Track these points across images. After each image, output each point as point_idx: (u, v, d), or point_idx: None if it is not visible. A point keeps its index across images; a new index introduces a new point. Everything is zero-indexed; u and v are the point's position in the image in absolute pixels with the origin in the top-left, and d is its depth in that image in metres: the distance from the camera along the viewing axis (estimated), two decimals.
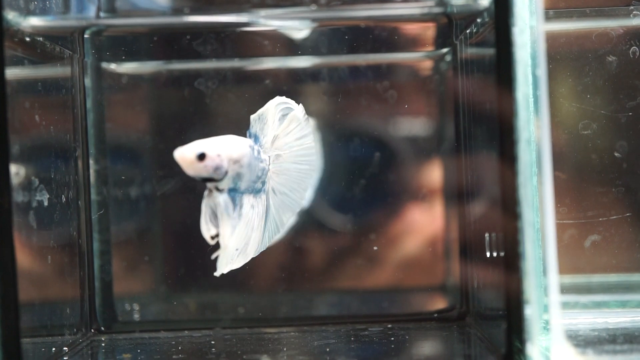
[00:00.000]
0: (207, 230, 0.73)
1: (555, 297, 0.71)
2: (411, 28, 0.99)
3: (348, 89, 1.01)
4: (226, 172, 0.72)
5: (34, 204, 0.80)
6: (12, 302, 0.71)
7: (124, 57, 0.99)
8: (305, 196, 0.80)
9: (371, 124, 1.01)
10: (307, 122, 0.77)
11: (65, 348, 0.85)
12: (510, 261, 0.72)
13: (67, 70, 0.93)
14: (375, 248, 0.99)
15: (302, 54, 0.99)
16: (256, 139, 0.76)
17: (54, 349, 0.83)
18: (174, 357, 0.84)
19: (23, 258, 0.75)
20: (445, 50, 0.99)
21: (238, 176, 0.73)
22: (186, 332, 0.95)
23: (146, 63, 1.01)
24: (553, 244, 0.71)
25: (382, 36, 0.98)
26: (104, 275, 0.97)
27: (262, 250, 0.77)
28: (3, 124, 0.71)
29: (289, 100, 0.77)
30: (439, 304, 0.99)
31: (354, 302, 1.00)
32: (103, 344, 0.92)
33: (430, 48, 1.02)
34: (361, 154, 1.00)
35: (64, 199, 0.88)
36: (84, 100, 0.97)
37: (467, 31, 0.89)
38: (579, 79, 0.94)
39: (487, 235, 0.83)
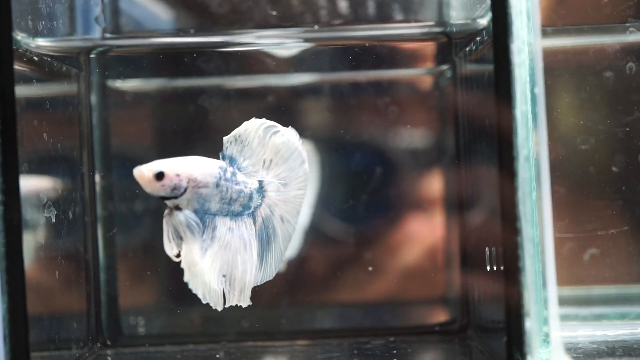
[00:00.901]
0: (170, 249, 0.72)
1: (554, 310, 0.72)
2: (411, 46, 1.00)
3: (349, 104, 1.02)
4: (184, 192, 0.72)
5: (42, 221, 0.81)
6: (21, 317, 0.72)
7: (129, 75, 1.01)
8: (301, 221, 0.79)
9: (372, 138, 1.02)
10: (302, 147, 0.76)
11: None
12: (510, 275, 0.73)
13: (74, 87, 0.94)
14: (370, 269, 1.00)
15: (304, 71, 1.01)
16: (232, 160, 0.75)
17: None
18: None
19: (31, 273, 0.77)
20: (445, 67, 1.01)
21: (202, 197, 0.73)
22: (191, 345, 0.96)
23: (151, 80, 1.03)
24: (552, 258, 0.73)
25: (383, 54, 0.99)
26: (109, 289, 0.99)
27: (268, 279, 0.76)
28: (13, 141, 0.72)
29: (272, 122, 0.76)
30: (441, 316, 1.00)
31: (356, 315, 1.01)
32: (109, 358, 0.93)
33: (430, 65, 1.03)
34: (362, 168, 1.02)
35: (70, 215, 0.89)
36: (89, 117, 0.98)
37: (467, 49, 0.91)
38: (576, 95, 0.96)
39: (487, 249, 0.84)
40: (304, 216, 0.78)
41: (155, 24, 0.92)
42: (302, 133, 0.99)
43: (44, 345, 0.81)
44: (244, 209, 0.75)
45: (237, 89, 1.02)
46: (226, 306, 0.73)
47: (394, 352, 0.90)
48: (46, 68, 0.86)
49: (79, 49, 0.91)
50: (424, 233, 1.01)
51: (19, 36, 0.77)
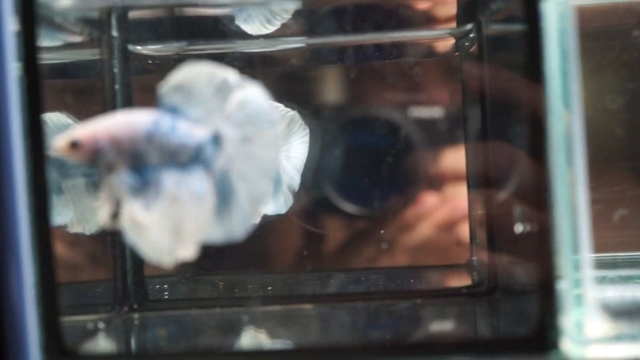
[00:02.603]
0: (102, 213, 0.70)
1: (588, 270, 0.72)
2: (434, 5, 0.99)
3: (369, 68, 1.01)
4: (108, 153, 0.69)
5: (71, 184, 0.81)
6: (51, 280, 0.72)
7: (149, 39, 1.00)
8: (269, 186, 0.74)
9: (393, 104, 1.01)
10: (272, 108, 0.73)
11: (101, 325, 0.87)
12: (543, 236, 0.72)
13: (96, 52, 0.93)
14: (384, 246, 1.00)
15: (324, 33, 1.00)
16: (173, 110, 0.71)
17: (91, 325, 0.85)
18: (206, 332, 0.85)
19: (60, 240, 0.76)
20: (469, 26, 0.99)
21: (135, 154, 0.70)
22: (217, 309, 0.96)
23: (171, 44, 1.02)
24: (585, 218, 0.72)
25: (405, 13, 0.98)
26: (135, 255, 0.98)
27: (231, 236, 0.72)
28: (39, 105, 0.71)
29: (222, 68, 0.71)
30: (467, 280, 1.00)
31: (382, 279, 1.01)
32: (136, 321, 0.93)
33: (453, 25, 1.02)
34: (383, 136, 1.01)
35: (96, 179, 0.89)
36: (112, 82, 0.97)
37: (492, 7, 0.89)
38: (604, 54, 0.94)
39: (516, 211, 0.83)
40: (268, 180, 0.73)
41: None
42: (315, 99, 0.99)
43: (73, 310, 0.81)
44: (192, 161, 0.71)
45: (259, 52, 1.01)
46: (176, 262, 0.70)
47: (422, 313, 0.89)
48: (69, 31, 0.85)
49: (99, 8, 0.90)
50: (450, 199, 1.01)
51: None
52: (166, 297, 1.01)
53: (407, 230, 1.02)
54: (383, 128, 1.02)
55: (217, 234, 0.72)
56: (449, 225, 1.03)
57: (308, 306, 0.95)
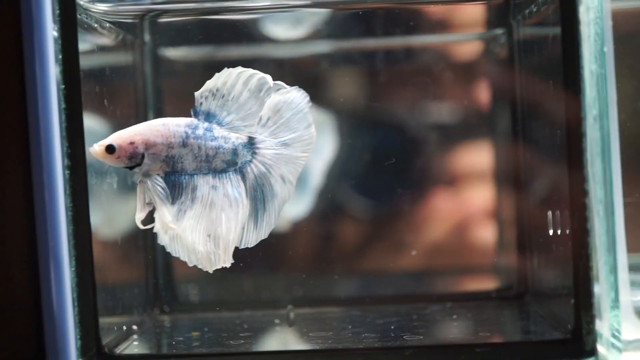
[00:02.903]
0: (138, 218, 0.70)
1: (624, 273, 0.71)
2: (466, 9, 0.99)
3: (400, 71, 1.01)
4: (143, 158, 0.70)
5: (105, 187, 0.82)
6: (89, 280, 0.73)
7: (180, 43, 1.01)
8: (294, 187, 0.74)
9: (423, 105, 1.01)
10: (309, 109, 0.73)
11: (134, 327, 0.87)
12: (578, 238, 0.72)
13: (129, 56, 0.94)
14: (414, 253, 1.00)
15: (356, 36, 1.00)
16: (208, 116, 0.71)
17: (125, 327, 0.85)
18: (240, 334, 0.86)
19: (96, 240, 0.77)
20: (500, 30, 0.99)
21: (170, 159, 0.71)
22: (247, 311, 0.97)
23: (201, 48, 1.03)
24: (621, 221, 0.72)
25: (436, 17, 0.98)
26: (166, 256, 0.99)
27: (262, 238, 0.73)
28: (78, 108, 0.72)
29: (264, 75, 0.72)
30: (497, 283, 0.99)
31: (413, 283, 1.01)
32: (168, 324, 0.94)
33: (483, 29, 1.02)
34: (415, 137, 1.01)
35: (129, 183, 0.90)
36: (143, 85, 0.98)
37: (526, 11, 0.89)
38: (637, 57, 0.94)
39: (549, 213, 0.83)
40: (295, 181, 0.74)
41: None
42: (348, 100, 0.99)
43: (109, 311, 0.82)
44: (228, 166, 0.72)
45: (288, 56, 1.01)
46: (214, 268, 0.71)
47: (454, 316, 0.89)
48: (105, 36, 0.86)
49: (132, 14, 0.91)
50: (479, 202, 1.01)
51: (82, 1, 0.77)
52: (195, 299, 1.01)
53: (429, 231, 1.02)
54: (407, 130, 1.02)
55: (251, 238, 0.73)
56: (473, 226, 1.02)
57: (339, 309, 0.95)
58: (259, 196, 0.72)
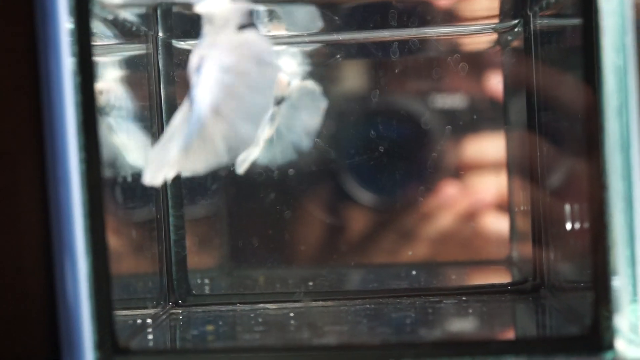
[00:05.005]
0: None
1: None
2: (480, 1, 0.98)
3: (414, 61, 1.00)
4: None
5: (120, 180, 0.81)
6: (105, 274, 0.72)
7: (193, 35, 1.00)
8: (254, 133, 0.73)
9: (438, 97, 1.01)
10: (269, 52, 0.73)
11: (149, 320, 0.87)
12: (597, 232, 0.71)
13: (143, 47, 0.94)
14: (410, 253, 1.00)
15: (371, 27, 0.99)
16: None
17: (139, 320, 0.85)
18: (255, 328, 0.85)
19: (111, 233, 0.77)
20: (515, 21, 0.98)
21: None
22: (260, 305, 0.96)
23: None
24: None
25: (451, 7, 0.97)
26: (179, 249, 0.99)
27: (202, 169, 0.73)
28: (93, 100, 0.72)
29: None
30: (512, 276, 0.99)
31: (426, 275, 1.00)
32: (181, 317, 0.94)
33: (499, 20, 1.01)
34: (429, 128, 1.00)
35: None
36: (157, 77, 0.98)
37: (543, 3, 0.88)
38: None
39: (567, 206, 0.82)
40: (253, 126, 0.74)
41: None
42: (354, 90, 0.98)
43: (123, 304, 0.82)
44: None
45: (302, 49, 1.01)
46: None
47: (470, 310, 0.89)
48: (119, 28, 0.86)
49: (146, 5, 0.91)
50: (493, 195, 1.00)
51: None
52: (208, 292, 1.01)
53: (438, 222, 1.01)
54: (418, 119, 1.01)
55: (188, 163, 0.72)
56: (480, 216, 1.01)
57: (353, 302, 0.95)
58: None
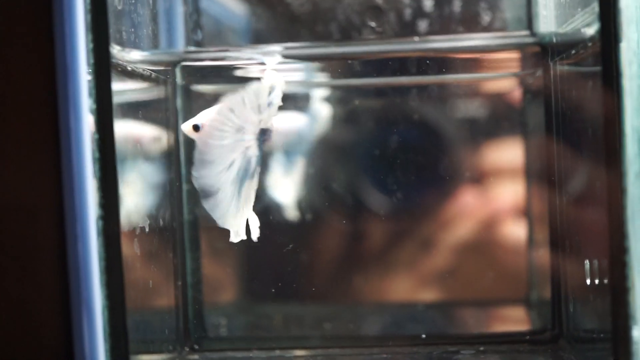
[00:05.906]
0: None
1: None
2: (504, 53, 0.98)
3: (436, 106, 1.00)
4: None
5: (138, 231, 0.81)
6: (122, 331, 0.72)
7: (210, 81, 1.01)
8: None
9: (462, 142, 1.00)
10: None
11: None
12: (617, 294, 0.71)
13: (162, 93, 0.94)
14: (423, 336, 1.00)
15: (397, 74, 0.99)
16: None
17: None
18: None
19: (128, 281, 0.77)
20: (537, 70, 0.98)
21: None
22: (277, 351, 0.96)
23: (230, 85, 1.03)
24: None
25: (475, 58, 0.97)
26: (196, 293, 0.99)
27: None
28: (112, 158, 0.72)
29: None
30: (531, 325, 0.98)
31: (442, 321, 1.00)
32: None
33: (520, 69, 1.00)
34: (454, 173, 1.00)
35: (161, 222, 0.90)
36: (175, 121, 0.98)
37: (564, 54, 0.88)
38: None
39: (586, 262, 0.82)
40: None
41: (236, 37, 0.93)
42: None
43: (140, 348, 0.81)
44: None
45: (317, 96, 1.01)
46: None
47: None
48: (138, 77, 0.86)
49: (165, 62, 0.92)
50: (512, 239, 0.99)
51: (115, 49, 0.77)
52: (225, 334, 1.01)
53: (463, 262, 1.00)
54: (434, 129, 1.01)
55: None
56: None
57: (370, 350, 0.94)
58: None
